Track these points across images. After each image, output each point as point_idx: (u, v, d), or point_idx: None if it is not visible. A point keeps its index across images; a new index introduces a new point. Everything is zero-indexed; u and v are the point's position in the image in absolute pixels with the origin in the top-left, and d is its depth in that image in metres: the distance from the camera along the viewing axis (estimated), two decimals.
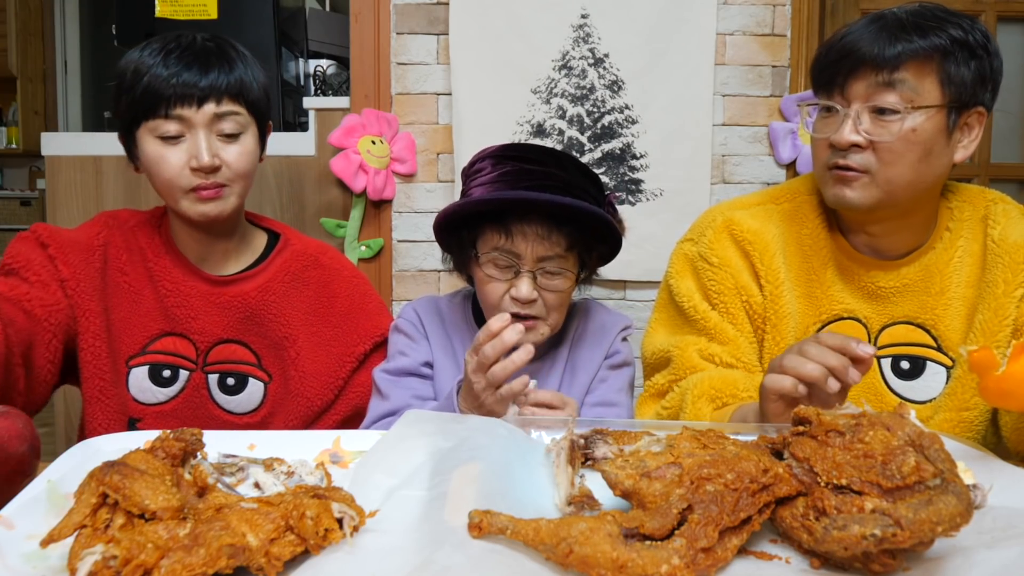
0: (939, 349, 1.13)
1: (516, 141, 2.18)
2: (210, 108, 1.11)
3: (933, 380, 1.13)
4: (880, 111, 1.02)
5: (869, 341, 1.14)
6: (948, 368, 1.12)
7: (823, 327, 1.16)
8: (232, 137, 1.14)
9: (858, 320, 1.15)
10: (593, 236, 1.19)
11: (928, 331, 1.13)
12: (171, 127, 1.10)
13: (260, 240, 1.29)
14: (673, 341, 1.18)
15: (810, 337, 0.88)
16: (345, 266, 1.33)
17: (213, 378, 1.22)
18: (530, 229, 1.14)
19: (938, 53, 1.00)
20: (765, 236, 1.16)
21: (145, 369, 1.20)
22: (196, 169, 1.11)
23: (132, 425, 1.20)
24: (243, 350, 1.24)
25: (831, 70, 1.06)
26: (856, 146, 1.03)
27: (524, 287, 1.14)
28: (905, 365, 1.13)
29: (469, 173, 1.22)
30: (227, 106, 1.13)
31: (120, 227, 1.23)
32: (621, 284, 2.24)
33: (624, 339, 1.32)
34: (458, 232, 1.22)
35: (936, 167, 1.05)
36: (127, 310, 1.20)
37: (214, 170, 1.13)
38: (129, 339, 1.20)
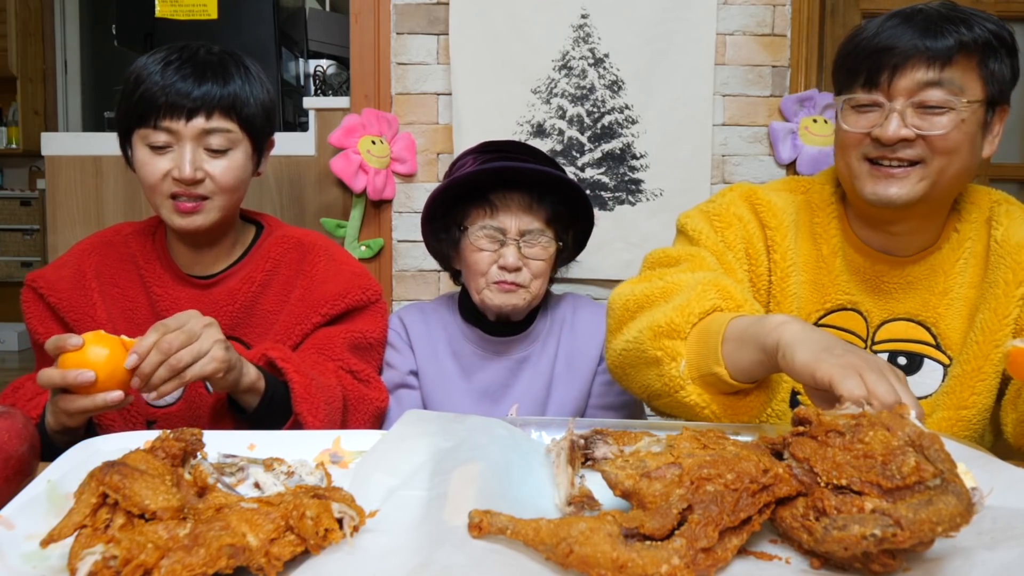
0: (938, 347, 1.13)
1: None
2: (199, 122, 1.12)
3: (929, 377, 1.13)
4: (926, 106, 1.01)
5: (867, 334, 1.15)
6: (945, 366, 1.12)
7: (825, 315, 1.16)
8: (220, 152, 1.15)
9: (858, 312, 1.15)
10: (569, 212, 1.31)
11: (928, 329, 1.13)
12: (160, 137, 1.12)
13: (248, 234, 1.30)
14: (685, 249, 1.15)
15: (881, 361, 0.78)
16: (327, 244, 1.32)
17: None
18: (513, 201, 1.26)
19: (982, 47, 1.00)
20: (783, 214, 1.16)
21: None
22: (177, 179, 1.13)
23: (149, 427, 1.21)
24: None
25: (869, 65, 1.03)
26: (903, 140, 1.02)
27: (510, 255, 1.26)
28: (902, 361, 1.14)
29: (454, 169, 1.33)
30: (217, 122, 1.13)
31: (104, 244, 1.26)
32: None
33: None
34: (444, 218, 1.33)
35: (974, 162, 1.05)
36: (127, 321, 1.23)
37: (195, 182, 1.14)
38: None
